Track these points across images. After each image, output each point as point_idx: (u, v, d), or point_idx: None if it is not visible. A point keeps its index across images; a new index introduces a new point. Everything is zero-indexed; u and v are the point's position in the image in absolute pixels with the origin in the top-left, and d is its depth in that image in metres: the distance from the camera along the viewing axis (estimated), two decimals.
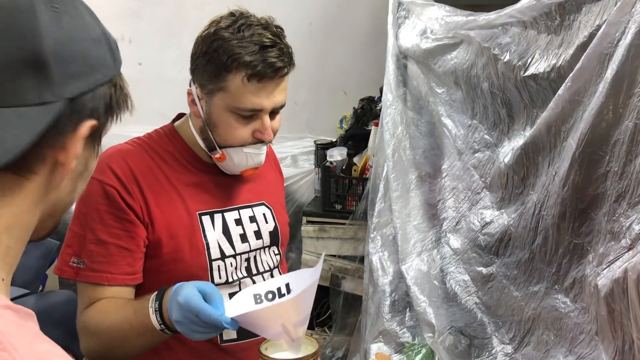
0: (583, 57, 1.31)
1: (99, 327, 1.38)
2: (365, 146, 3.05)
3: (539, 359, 1.44)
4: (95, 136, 0.77)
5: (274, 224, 1.61)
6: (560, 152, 1.42)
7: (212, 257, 1.50)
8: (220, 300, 1.23)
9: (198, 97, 1.46)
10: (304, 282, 1.22)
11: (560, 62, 1.44)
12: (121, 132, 3.64)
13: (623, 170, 1.21)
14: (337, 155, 3.03)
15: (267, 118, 1.43)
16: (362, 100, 3.30)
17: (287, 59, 1.40)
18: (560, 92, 1.39)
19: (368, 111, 3.21)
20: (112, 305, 1.41)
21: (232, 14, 1.43)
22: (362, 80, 3.41)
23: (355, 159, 3.03)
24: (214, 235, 1.51)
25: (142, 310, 1.32)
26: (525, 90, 1.59)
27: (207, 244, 1.49)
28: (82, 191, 0.81)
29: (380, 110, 2.85)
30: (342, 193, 2.99)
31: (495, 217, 1.72)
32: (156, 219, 1.44)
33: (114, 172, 1.42)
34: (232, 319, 1.19)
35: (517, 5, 1.55)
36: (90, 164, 0.80)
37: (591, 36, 1.32)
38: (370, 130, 3.01)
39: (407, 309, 1.96)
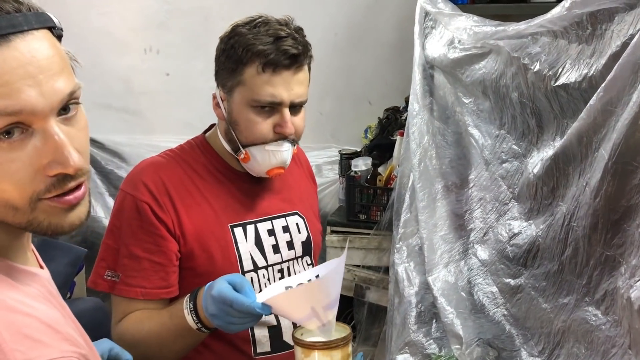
0: (616, 67, 1.30)
1: (135, 337, 1.40)
2: (390, 156, 3.03)
3: None
4: None
5: (306, 234, 1.60)
6: (592, 163, 1.41)
7: (245, 269, 1.50)
8: (251, 289, 1.26)
9: (221, 98, 1.47)
10: (332, 267, 1.25)
11: (592, 72, 1.43)
12: (149, 141, 3.68)
13: None
14: (361, 165, 3.03)
15: (286, 111, 1.42)
16: (387, 110, 3.29)
17: (301, 47, 1.40)
18: (592, 102, 1.38)
19: (393, 121, 3.20)
20: (146, 314, 1.43)
21: (251, 17, 1.46)
22: (387, 90, 3.41)
23: (380, 169, 3.02)
24: (246, 246, 1.51)
25: (177, 314, 1.35)
26: (556, 100, 1.58)
27: (240, 256, 1.49)
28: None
29: (405, 120, 2.84)
30: (366, 203, 2.98)
31: (524, 228, 1.71)
32: (188, 231, 1.45)
33: (147, 187, 1.43)
34: (263, 304, 1.22)
35: (548, 15, 1.54)
36: None
37: (624, 45, 1.32)
38: (395, 140, 3.00)
39: (434, 320, 1.95)
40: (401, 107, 3.28)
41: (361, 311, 3.00)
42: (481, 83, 1.92)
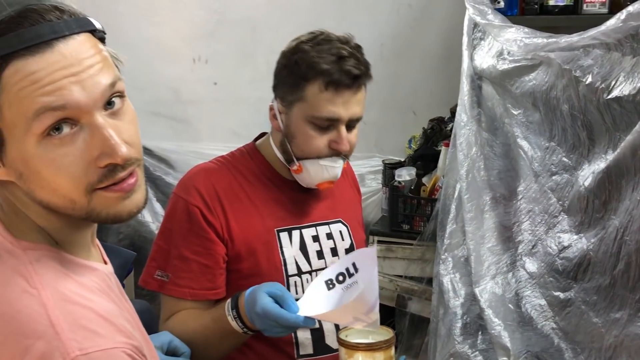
0: None
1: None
2: (435, 167, 3.03)
3: None
4: None
5: (350, 242, 1.63)
6: None
7: (289, 273, 1.53)
8: (292, 300, 1.30)
9: (279, 111, 1.51)
10: (367, 260, 1.29)
11: None
12: (196, 148, 3.75)
13: None
14: (405, 175, 3.03)
15: (343, 128, 1.46)
16: (431, 120, 3.29)
17: (364, 68, 1.44)
18: None
19: (438, 132, 3.19)
20: (191, 315, 1.47)
21: (312, 32, 1.50)
22: (432, 100, 3.41)
23: (424, 179, 3.01)
24: (291, 251, 1.54)
25: (220, 318, 1.38)
26: (608, 113, 1.57)
27: (284, 260, 1.53)
28: (46, 192, 0.83)
29: (450, 130, 2.84)
30: (409, 213, 2.98)
31: (574, 242, 1.70)
32: (235, 235, 1.49)
33: (199, 192, 1.49)
34: (306, 317, 1.27)
35: (602, 28, 1.53)
36: (17, 168, 0.82)
37: None
38: (440, 150, 2.99)
39: (480, 332, 1.94)
40: (446, 118, 3.27)
41: (403, 321, 2.99)
42: (531, 95, 1.91)
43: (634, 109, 1.48)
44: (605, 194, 1.58)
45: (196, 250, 1.47)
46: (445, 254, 2.19)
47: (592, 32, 1.58)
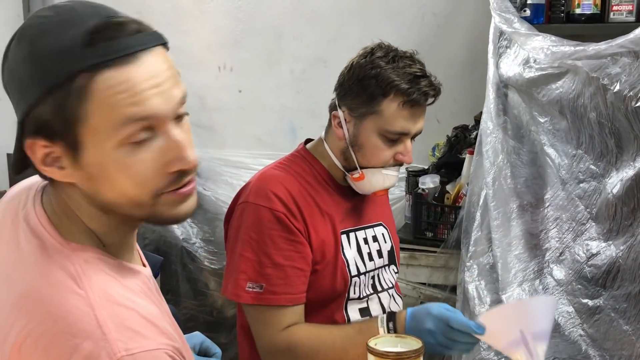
0: None
1: (314, 349, 1.48)
2: (458, 174, 3.03)
3: None
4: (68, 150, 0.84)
5: (391, 244, 1.69)
6: None
7: (352, 274, 1.59)
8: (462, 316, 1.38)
9: (345, 120, 1.55)
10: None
11: None
12: (220, 155, 3.79)
13: None
14: (429, 182, 3.03)
15: (409, 142, 1.55)
16: (455, 128, 3.29)
17: (436, 89, 1.53)
18: None
19: (462, 139, 3.19)
20: (322, 328, 1.52)
21: (380, 46, 1.57)
22: (456, 108, 3.41)
23: (448, 187, 3.01)
24: (350, 253, 1.61)
25: (369, 330, 1.43)
26: (636, 120, 1.58)
27: (347, 261, 1.59)
28: (114, 195, 0.87)
29: (474, 138, 2.84)
30: (433, 221, 2.98)
31: (602, 249, 1.70)
32: (312, 238, 1.55)
33: (279, 198, 1.52)
34: (476, 323, 1.31)
35: (630, 36, 1.54)
36: (91, 171, 0.85)
37: None
38: (464, 158, 2.99)
39: None
40: (470, 126, 3.27)
41: None
42: (558, 102, 1.92)
43: None
44: (633, 201, 1.58)
45: (289, 255, 1.51)
46: (471, 261, 2.20)
47: (620, 40, 1.58)
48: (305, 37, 3.32)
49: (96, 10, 0.85)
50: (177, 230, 3.48)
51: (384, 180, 1.58)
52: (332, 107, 1.61)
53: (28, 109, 0.83)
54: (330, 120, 1.62)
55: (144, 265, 1.02)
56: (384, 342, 1.30)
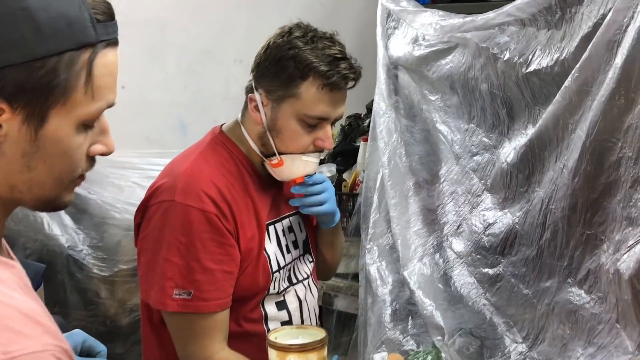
0: (590, 47, 1.32)
1: None
2: (354, 162, 3.03)
3: (556, 354, 1.42)
4: (30, 119, 0.77)
5: (305, 233, 1.62)
6: (569, 145, 1.42)
7: (273, 270, 1.51)
8: None
9: (262, 103, 1.46)
10: None
11: (564, 55, 1.45)
12: (107, 157, 3.61)
13: (638, 155, 1.21)
14: (326, 171, 3.00)
15: (329, 127, 1.49)
16: (348, 117, 3.30)
17: (357, 72, 1.49)
18: (566, 83, 1.39)
19: (355, 128, 3.21)
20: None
21: (298, 25, 1.50)
22: (348, 98, 3.41)
23: (345, 175, 3.01)
24: (271, 247, 1.53)
25: None
26: (528, 87, 1.60)
27: (269, 257, 1.51)
28: (45, 173, 0.81)
29: (367, 126, 2.84)
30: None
31: (499, 218, 1.71)
32: (241, 238, 1.46)
33: (210, 197, 1.41)
34: None
35: (517, 2, 1.56)
36: (42, 145, 0.78)
37: (596, 26, 1.34)
38: (359, 146, 3.00)
39: (410, 317, 1.93)
40: (363, 114, 3.29)
41: (330, 319, 2.96)
42: (448, 78, 1.93)
43: (552, 81, 1.51)
44: (528, 167, 1.60)
45: (220, 259, 1.41)
46: (370, 243, 2.17)
47: (507, 7, 1.60)
48: (191, 28, 3.21)
49: None
50: (62, 237, 3.25)
51: (304, 167, 1.51)
52: (249, 90, 1.52)
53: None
54: (246, 102, 1.53)
55: (12, 259, 0.89)
56: (285, 335, 1.25)
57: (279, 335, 1.25)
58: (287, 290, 1.57)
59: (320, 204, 1.56)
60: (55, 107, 0.77)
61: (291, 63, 1.42)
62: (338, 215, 1.66)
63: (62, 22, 0.75)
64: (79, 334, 1.22)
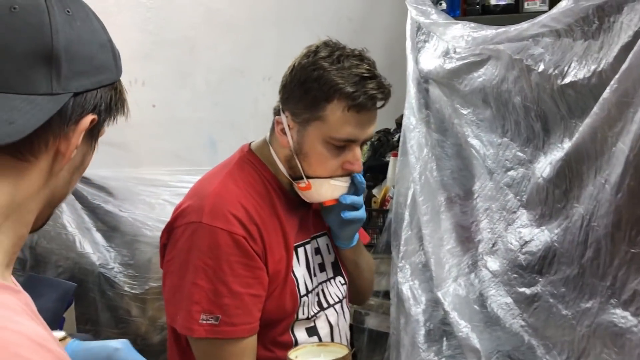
0: (630, 57, 1.26)
1: None
2: (384, 178, 2.99)
3: None
4: (93, 133, 0.85)
5: (334, 255, 1.58)
6: (609, 159, 1.36)
7: (301, 294, 1.47)
8: None
9: (289, 126, 1.42)
10: None
11: (601, 66, 1.39)
12: (136, 174, 3.61)
13: None
14: None
15: (358, 149, 1.42)
16: (378, 132, 3.26)
17: (386, 91, 1.41)
18: (605, 95, 1.33)
19: (385, 143, 3.17)
20: None
21: (326, 44, 1.43)
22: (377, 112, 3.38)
23: (374, 191, 2.97)
24: (300, 270, 1.49)
25: None
26: (563, 100, 1.54)
27: (297, 280, 1.46)
28: (75, 185, 0.89)
29: (397, 141, 2.80)
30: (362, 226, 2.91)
31: (536, 235, 1.65)
32: (269, 260, 1.42)
33: (239, 220, 1.37)
34: None
35: (552, 11, 1.51)
36: (86, 159, 0.87)
37: (636, 35, 1.28)
38: (388, 161, 2.96)
39: (444, 338, 1.87)
40: (392, 129, 3.25)
41: (361, 338, 2.91)
42: (481, 91, 1.88)
43: (589, 93, 1.45)
44: (565, 182, 1.54)
45: (248, 282, 1.37)
46: (402, 261, 2.13)
47: (542, 18, 1.55)
48: (219, 47, 3.22)
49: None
50: (93, 255, 3.25)
51: (332, 192, 1.45)
52: (276, 112, 1.48)
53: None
54: (273, 124, 1.50)
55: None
56: (305, 353, 1.22)
57: (299, 353, 1.22)
58: (318, 315, 1.52)
59: (355, 207, 1.50)
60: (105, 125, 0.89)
61: (315, 85, 1.37)
62: (357, 235, 1.61)
63: (118, 55, 0.88)
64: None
